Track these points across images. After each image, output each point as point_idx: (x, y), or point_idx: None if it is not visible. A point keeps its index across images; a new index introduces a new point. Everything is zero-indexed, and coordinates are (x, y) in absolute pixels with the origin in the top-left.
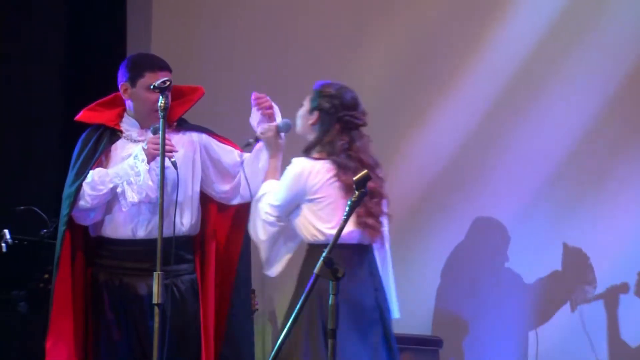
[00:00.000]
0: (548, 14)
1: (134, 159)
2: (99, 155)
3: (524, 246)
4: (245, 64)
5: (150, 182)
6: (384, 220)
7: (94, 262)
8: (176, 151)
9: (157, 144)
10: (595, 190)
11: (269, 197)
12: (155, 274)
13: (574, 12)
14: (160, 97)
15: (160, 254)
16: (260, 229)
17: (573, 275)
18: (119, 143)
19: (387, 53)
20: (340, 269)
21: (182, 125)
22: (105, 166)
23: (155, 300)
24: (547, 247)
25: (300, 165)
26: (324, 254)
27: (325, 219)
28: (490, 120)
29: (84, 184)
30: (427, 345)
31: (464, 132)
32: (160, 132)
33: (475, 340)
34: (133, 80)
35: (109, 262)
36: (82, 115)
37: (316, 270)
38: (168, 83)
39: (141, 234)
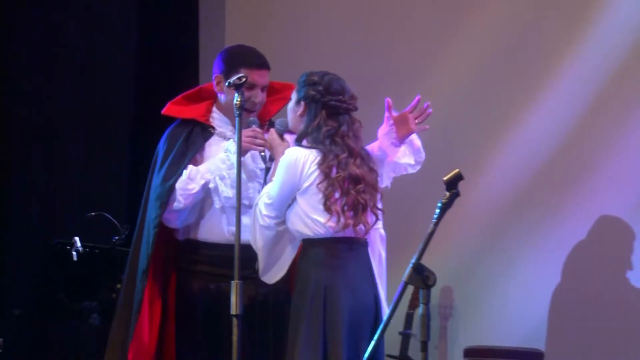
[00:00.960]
0: None
1: (225, 152)
2: (193, 153)
3: None
4: (323, 63)
5: (244, 176)
6: (380, 216)
7: (180, 267)
8: (267, 146)
9: (250, 136)
10: None
11: (263, 197)
12: (234, 283)
13: None
14: (236, 94)
15: (238, 261)
16: (257, 234)
17: None
18: (213, 141)
19: (479, 50)
20: (431, 276)
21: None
22: (199, 164)
23: (233, 310)
24: None
25: (292, 154)
26: (412, 260)
27: (321, 211)
28: (591, 117)
29: (177, 183)
30: (527, 358)
31: (560, 129)
32: (236, 134)
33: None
34: (228, 74)
35: (203, 267)
36: (168, 109)
37: (405, 277)
38: (244, 80)
39: (244, 238)
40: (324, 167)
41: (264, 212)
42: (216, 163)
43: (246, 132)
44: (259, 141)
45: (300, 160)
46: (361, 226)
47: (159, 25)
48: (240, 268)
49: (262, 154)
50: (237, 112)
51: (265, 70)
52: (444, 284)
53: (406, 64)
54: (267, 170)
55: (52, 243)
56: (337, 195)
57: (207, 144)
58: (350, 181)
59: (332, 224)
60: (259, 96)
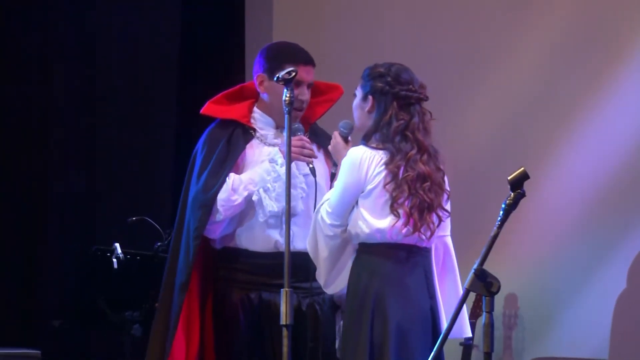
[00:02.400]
0: None
1: (270, 162)
2: (235, 159)
3: None
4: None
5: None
6: (446, 218)
7: (219, 277)
8: (315, 157)
9: (298, 146)
10: None
11: (324, 205)
12: (283, 292)
13: None
14: (285, 89)
15: (288, 269)
16: (321, 244)
17: None
18: (254, 143)
19: (540, 50)
20: (495, 283)
21: (318, 129)
22: (241, 170)
23: (283, 321)
24: None
25: (356, 154)
26: (475, 266)
27: (382, 215)
28: None
29: (219, 193)
30: None
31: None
32: (285, 131)
33: None
34: (272, 71)
35: (245, 276)
36: (208, 108)
37: (466, 284)
38: (294, 74)
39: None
40: (392, 166)
41: (328, 221)
42: (260, 174)
43: (294, 142)
44: (306, 151)
45: (365, 161)
46: (425, 231)
47: (203, 24)
48: (289, 276)
49: (310, 166)
50: (287, 109)
51: (311, 67)
52: (508, 291)
53: (474, 59)
54: (333, 176)
55: (92, 250)
56: (404, 196)
57: (248, 145)
58: (417, 180)
59: (398, 226)
60: (306, 94)
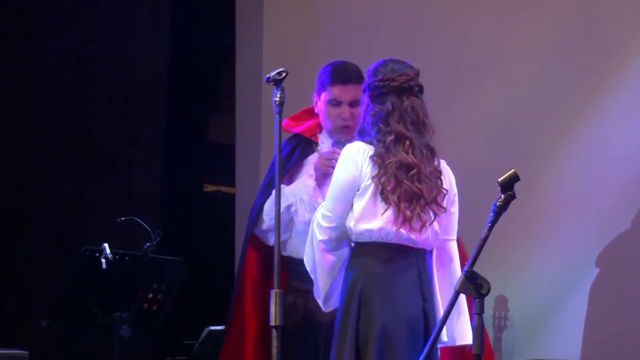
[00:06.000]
0: None
1: (310, 176)
2: (287, 169)
3: None
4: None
5: (320, 200)
6: (441, 214)
7: (285, 284)
8: (332, 167)
9: (329, 159)
10: None
11: (320, 209)
12: (273, 292)
13: None
14: (275, 89)
15: (278, 269)
16: (318, 255)
17: None
18: (313, 157)
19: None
20: (485, 285)
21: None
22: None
23: (273, 322)
24: None
25: (350, 149)
26: (465, 268)
27: (372, 215)
28: None
29: (265, 203)
30: None
31: (630, 131)
32: (276, 135)
33: None
34: (318, 93)
35: (295, 283)
36: (285, 124)
37: (457, 286)
38: (284, 74)
39: None
40: (376, 157)
41: (323, 223)
42: (299, 185)
43: (325, 155)
44: (335, 162)
45: (359, 155)
46: (415, 223)
47: (194, 25)
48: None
49: None
50: (277, 110)
51: (350, 85)
52: (498, 293)
53: (465, 61)
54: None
55: (80, 251)
56: (392, 184)
57: (306, 160)
58: (401, 168)
59: (389, 221)
60: (347, 112)
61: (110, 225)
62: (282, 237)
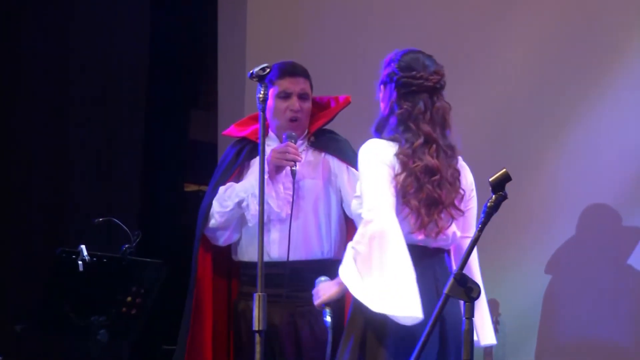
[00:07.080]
0: None
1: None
2: (235, 168)
3: None
4: (355, 63)
5: (273, 194)
6: (459, 218)
7: (237, 289)
8: (299, 160)
9: (282, 152)
10: None
11: (360, 214)
12: (256, 296)
13: None
14: (259, 86)
15: (262, 272)
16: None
17: None
18: (258, 159)
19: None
20: (475, 288)
21: (323, 137)
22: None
23: (255, 326)
24: None
25: (372, 145)
26: (454, 271)
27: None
28: None
29: (214, 200)
30: None
31: (622, 132)
32: (260, 129)
33: None
34: (267, 91)
35: (247, 288)
36: (228, 130)
37: (446, 289)
38: (267, 70)
39: (274, 255)
40: (402, 156)
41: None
42: (250, 181)
43: (278, 149)
44: (290, 156)
45: (382, 150)
46: (432, 229)
47: (174, 24)
48: (283, 286)
49: (293, 168)
50: (261, 106)
51: (300, 78)
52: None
53: (459, 60)
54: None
55: (56, 252)
56: (414, 188)
57: (253, 161)
58: (426, 172)
59: (407, 223)
60: (296, 104)
61: (88, 226)
62: (232, 240)
